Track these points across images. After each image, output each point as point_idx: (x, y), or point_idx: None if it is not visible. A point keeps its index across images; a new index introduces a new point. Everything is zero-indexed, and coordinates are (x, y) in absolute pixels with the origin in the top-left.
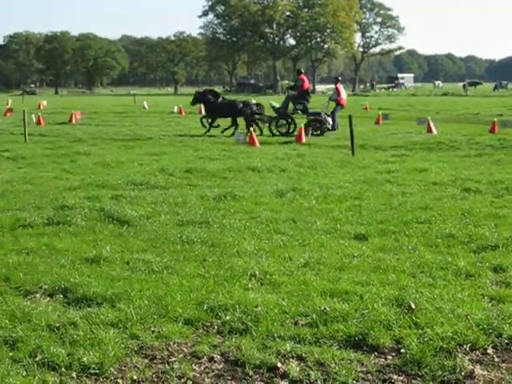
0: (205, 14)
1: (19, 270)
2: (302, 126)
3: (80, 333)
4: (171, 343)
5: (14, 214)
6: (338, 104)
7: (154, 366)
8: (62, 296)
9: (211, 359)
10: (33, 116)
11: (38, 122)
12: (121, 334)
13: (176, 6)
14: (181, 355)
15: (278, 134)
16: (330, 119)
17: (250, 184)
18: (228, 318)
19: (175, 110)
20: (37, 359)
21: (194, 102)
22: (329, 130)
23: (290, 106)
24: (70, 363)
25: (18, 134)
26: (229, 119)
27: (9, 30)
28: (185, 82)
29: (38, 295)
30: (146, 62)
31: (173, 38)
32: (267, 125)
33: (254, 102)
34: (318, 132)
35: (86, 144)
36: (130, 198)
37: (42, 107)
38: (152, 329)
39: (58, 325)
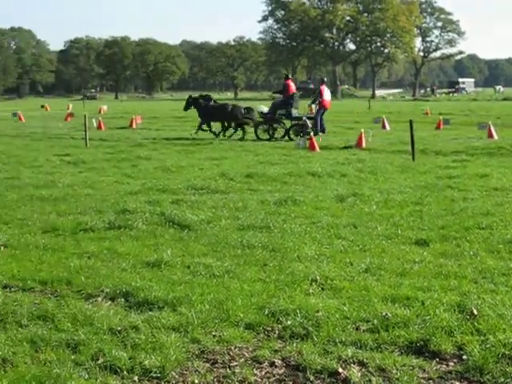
0: (265, 18)
1: (81, 274)
2: (362, 130)
3: (141, 336)
4: (232, 347)
5: (76, 217)
6: (321, 106)
7: (215, 370)
8: (123, 300)
9: (272, 364)
10: (93, 121)
11: (99, 127)
12: (182, 338)
13: (236, 11)
14: (242, 360)
15: (263, 138)
16: (309, 123)
17: (311, 189)
18: (289, 322)
19: None
20: (99, 362)
21: (186, 108)
22: (309, 133)
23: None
24: (131, 367)
25: (78, 138)
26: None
27: (69, 35)
28: (244, 87)
29: (99, 299)
30: (206, 66)
31: (233, 43)
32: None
33: (243, 106)
34: (300, 136)
35: (147, 148)
36: (191, 203)
37: (102, 112)
38: (213, 333)
39: (119, 328)
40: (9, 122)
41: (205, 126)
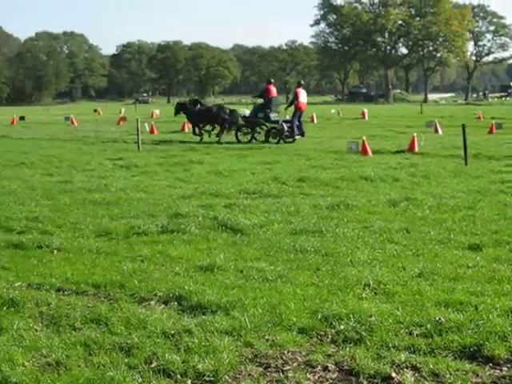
0: (317, 23)
1: (134, 277)
2: (414, 135)
3: (195, 340)
4: (285, 352)
5: (129, 221)
6: (297, 109)
7: (268, 374)
8: (176, 303)
9: (325, 368)
10: (146, 125)
11: (151, 131)
12: (235, 342)
13: (288, 15)
14: (295, 364)
15: (244, 141)
16: (286, 126)
17: (363, 193)
18: (342, 327)
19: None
20: (152, 366)
21: (175, 113)
22: (288, 137)
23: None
24: (184, 370)
25: (131, 142)
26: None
27: (122, 40)
28: None
29: (152, 302)
30: (258, 70)
31: (284, 47)
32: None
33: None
34: (277, 139)
35: (199, 153)
36: (243, 207)
37: (154, 116)
38: (266, 337)
39: (172, 332)
40: (61, 126)
41: (197, 130)
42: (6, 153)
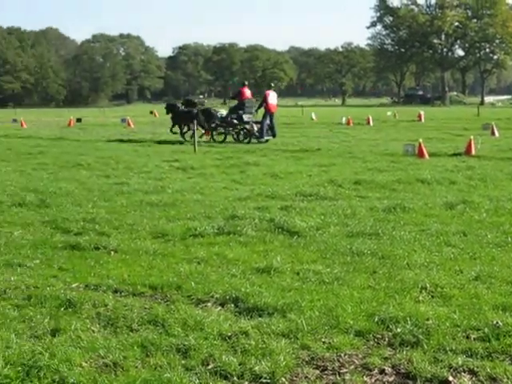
0: (373, 24)
1: (191, 279)
2: (471, 137)
3: (251, 342)
4: (342, 354)
5: (185, 223)
6: (266, 111)
7: (325, 376)
8: (233, 305)
9: (382, 371)
10: None
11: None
12: (292, 345)
13: (343, 17)
14: (352, 367)
15: (219, 140)
16: (255, 126)
17: (420, 196)
18: (399, 330)
19: (343, 121)
20: (209, 367)
21: (167, 112)
22: (258, 137)
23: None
24: (241, 372)
25: (187, 144)
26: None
27: (178, 42)
28: (352, 93)
29: (209, 304)
30: (314, 73)
31: (340, 49)
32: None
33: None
34: (248, 139)
35: (255, 155)
36: (300, 209)
37: None
38: (323, 340)
39: (229, 334)
40: (118, 127)
41: (175, 129)
42: (62, 154)
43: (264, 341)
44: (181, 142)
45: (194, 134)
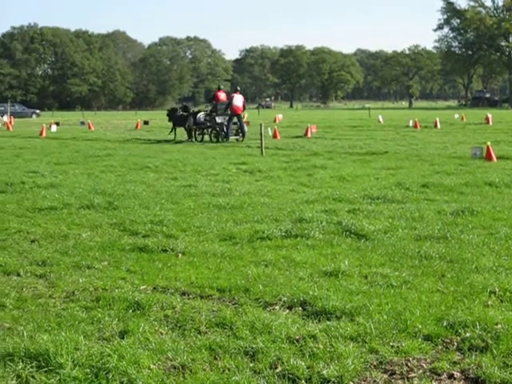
0: (440, 27)
1: (258, 282)
2: None
3: (319, 346)
4: (410, 359)
5: (253, 226)
6: (232, 113)
7: (393, 381)
8: (301, 308)
9: (451, 376)
10: (269, 129)
11: (274, 136)
12: (360, 348)
13: (410, 19)
14: (420, 371)
15: (197, 140)
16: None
17: (488, 199)
18: (468, 334)
19: (410, 123)
20: (277, 371)
21: (167, 115)
22: (224, 137)
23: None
24: (309, 376)
25: (254, 147)
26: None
27: (245, 45)
28: (419, 96)
29: (277, 307)
30: (381, 75)
31: (407, 52)
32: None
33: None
34: (216, 139)
35: (322, 158)
36: (367, 212)
37: (277, 121)
38: (391, 343)
39: (297, 337)
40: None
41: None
42: (130, 157)
43: (332, 344)
44: (248, 146)
45: (191, 133)
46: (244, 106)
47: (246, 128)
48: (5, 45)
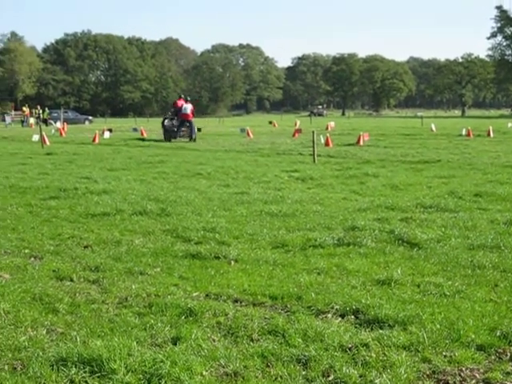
0: (493, 35)
1: (311, 290)
2: None
3: (372, 354)
4: (463, 368)
5: (305, 233)
6: (182, 118)
7: None
8: (353, 317)
9: None
10: (321, 137)
11: (326, 143)
12: (412, 358)
13: (464, 27)
14: (473, 381)
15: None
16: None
17: None
18: None
19: (463, 132)
20: (329, 379)
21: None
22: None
23: None
24: None
25: (306, 154)
26: None
27: (297, 52)
28: (472, 105)
29: (329, 315)
30: (433, 84)
31: (460, 60)
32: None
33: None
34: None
35: (374, 166)
36: (420, 221)
37: (329, 128)
38: (444, 353)
39: (349, 345)
40: (237, 137)
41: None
42: (183, 163)
43: (384, 353)
44: (300, 154)
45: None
46: (193, 113)
47: (195, 130)
48: (58, 51)
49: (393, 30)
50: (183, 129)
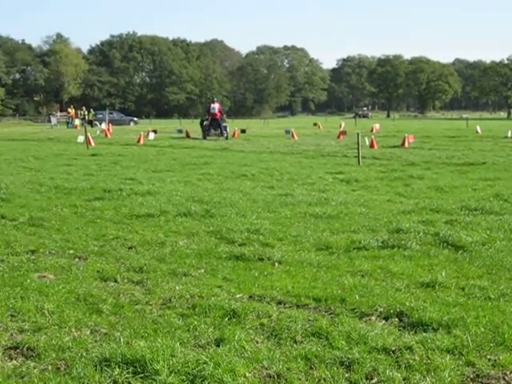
0: None
1: (355, 292)
2: None
3: (415, 357)
4: (508, 372)
5: (349, 236)
6: (211, 118)
7: None
8: (397, 319)
9: None
10: (366, 139)
11: (371, 145)
12: (456, 361)
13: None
14: None
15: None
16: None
17: None
18: None
19: (509, 134)
20: (373, 382)
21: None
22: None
23: None
24: None
25: (351, 156)
26: None
27: (343, 54)
28: None
29: (373, 318)
30: (479, 85)
31: (506, 62)
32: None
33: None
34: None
35: (419, 168)
36: (465, 224)
37: (374, 130)
38: (488, 357)
39: (393, 348)
40: (281, 139)
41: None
42: (227, 165)
43: (428, 356)
44: (344, 156)
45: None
46: (220, 112)
47: (225, 129)
48: (104, 53)
49: (438, 32)
50: (214, 127)
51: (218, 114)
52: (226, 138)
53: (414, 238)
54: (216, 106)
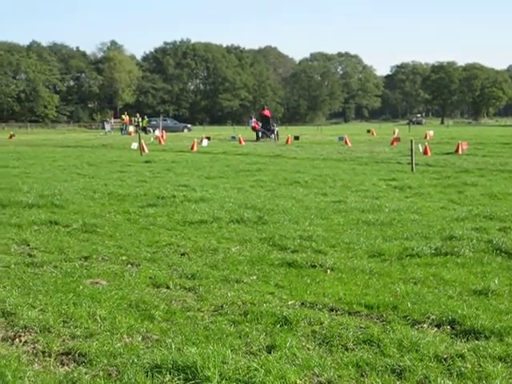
0: None
1: (407, 300)
2: None
3: (467, 365)
4: None
5: (402, 243)
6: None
7: None
8: (449, 327)
9: None
10: (419, 146)
11: (425, 152)
12: (508, 369)
13: None
14: None
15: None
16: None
17: None
18: None
19: None
20: None
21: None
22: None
23: None
24: None
25: (404, 163)
26: None
27: (397, 61)
28: None
29: (425, 325)
30: None
31: None
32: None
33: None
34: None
35: (473, 175)
36: None
37: (428, 137)
38: None
39: (445, 356)
40: (335, 145)
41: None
42: (280, 171)
43: (480, 364)
44: (398, 162)
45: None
46: (265, 117)
47: (272, 132)
48: (157, 60)
49: (492, 38)
50: (265, 130)
51: (268, 116)
52: (275, 139)
53: (467, 246)
54: (266, 113)
